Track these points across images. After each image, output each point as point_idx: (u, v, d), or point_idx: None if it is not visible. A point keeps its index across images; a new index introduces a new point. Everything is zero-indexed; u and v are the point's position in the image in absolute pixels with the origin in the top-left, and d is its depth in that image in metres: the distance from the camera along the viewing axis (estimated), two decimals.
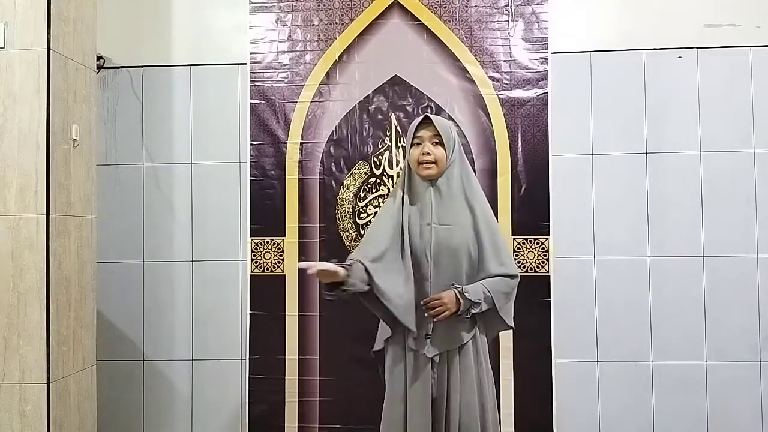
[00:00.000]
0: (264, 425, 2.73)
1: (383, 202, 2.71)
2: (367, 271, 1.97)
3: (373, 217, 2.71)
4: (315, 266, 1.88)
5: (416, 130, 2.03)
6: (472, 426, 1.97)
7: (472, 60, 2.73)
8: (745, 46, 2.76)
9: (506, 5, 2.73)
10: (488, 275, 2.00)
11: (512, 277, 2.03)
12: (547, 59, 2.71)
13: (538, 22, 2.72)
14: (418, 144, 2.02)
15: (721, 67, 2.77)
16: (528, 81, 2.71)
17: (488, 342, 2.11)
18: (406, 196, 2.05)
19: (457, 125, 2.67)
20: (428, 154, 1.99)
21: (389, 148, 2.76)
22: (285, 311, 2.74)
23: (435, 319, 1.94)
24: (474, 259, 2.00)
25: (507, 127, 2.71)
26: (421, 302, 1.96)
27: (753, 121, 2.76)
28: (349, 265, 1.96)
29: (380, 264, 1.99)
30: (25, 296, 2.28)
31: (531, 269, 2.67)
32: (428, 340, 1.98)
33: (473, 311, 1.95)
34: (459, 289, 1.95)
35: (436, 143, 2.00)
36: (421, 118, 2.05)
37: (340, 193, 2.76)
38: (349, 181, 2.76)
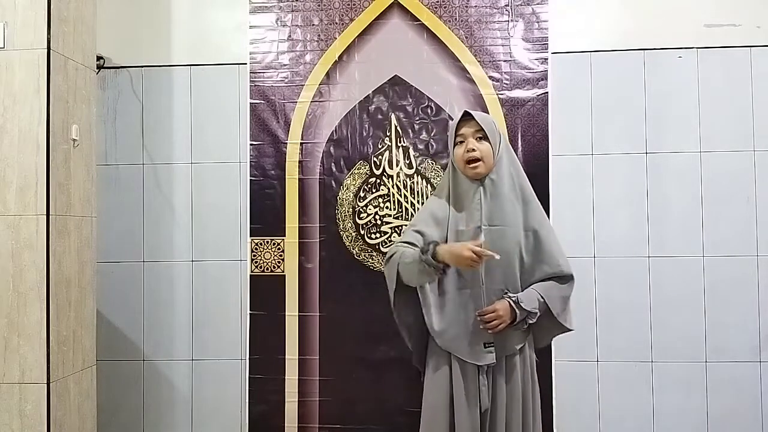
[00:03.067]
0: (264, 425, 2.73)
1: (383, 202, 2.72)
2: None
3: (374, 217, 2.72)
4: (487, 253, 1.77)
5: (457, 128, 1.93)
6: (515, 427, 1.90)
7: (472, 60, 2.73)
8: (745, 46, 2.76)
9: (506, 5, 2.73)
10: (542, 277, 1.91)
11: (566, 278, 1.93)
12: (547, 59, 2.71)
13: (538, 22, 2.72)
14: (461, 142, 1.92)
15: (721, 67, 2.77)
16: (528, 81, 2.71)
17: (542, 347, 2.04)
18: (451, 201, 1.95)
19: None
20: (474, 150, 1.88)
21: (389, 148, 2.76)
22: (285, 311, 2.74)
23: (490, 331, 1.86)
24: (526, 261, 1.91)
25: (507, 127, 2.71)
26: (476, 313, 1.87)
27: (753, 121, 2.76)
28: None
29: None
30: (25, 296, 2.27)
31: None
32: (489, 349, 1.87)
33: (530, 321, 1.87)
34: (513, 299, 1.86)
35: (480, 138, 1.90)
36: (461, 114, 1.94)
37: (340, 193, 2.76)
38: (349, 181, 2.76)
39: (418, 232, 1.94)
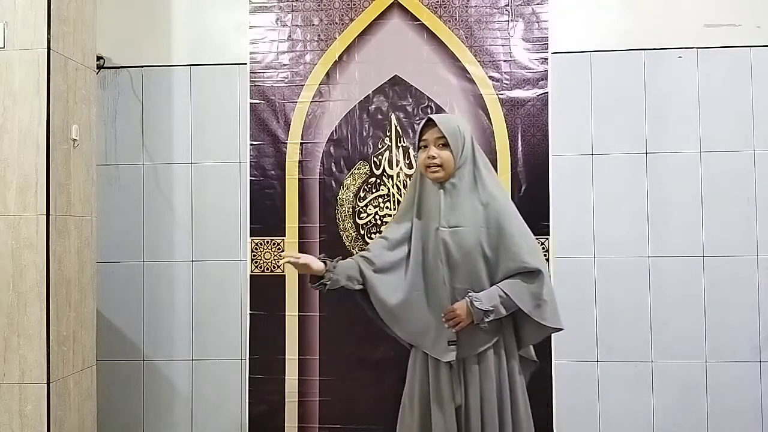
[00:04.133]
0: (264, 425, 2.72)
1: (383, 202, 2.72)
2: (361, 269, 2.00)
3: (374, 217, 2.72)
4: (296, 258, 1.96)
5: (421, 133, 1.99)
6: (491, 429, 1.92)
7: (472, 60, 2.72)
8: (745, 46, 2.76)
9: (506, 5, 2.73)
10: (507, 273, 1.93)
11: (533, 272, 1.92)
12: (547, 59, 2.71)
13: (538, 22, 2.72)
14: (425, 147, 1.98)
15: (721, 67, 2.77)
16: (528, 81, 2.71)
17: (531, 346, 2.07)
18: (416, 203, 2.03)
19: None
20: (433, 157, 1.94)
21: (389, 148, 2.76)
22: (285, 311, 2.74)
23: (454, 330, 1.92)
24: (491, 259, 1.94)
25: (507, 127, 2.71)
26: (441, 315, 1.94)
27: (753, 121, 2.76)
28: (334, 260, 2.00)
29: (386, 263, 2.00)
30: (25, 296, 2.27)
31: None
32: (451, 346, 1.93)
33: (487, 320, 1.89)
34: (470, 298, 1.90)
35: (442, 145, 1.95)
36: (425, 120, 2.00)
37: (340, 193, 2.76)
38: (349, 181, 2.76)
39: (383, 237, 2.06)
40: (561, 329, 2.01)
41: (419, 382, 2.00)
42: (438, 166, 1.95)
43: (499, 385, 1.95)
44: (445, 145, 1.95)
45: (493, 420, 1.92)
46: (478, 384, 1.93)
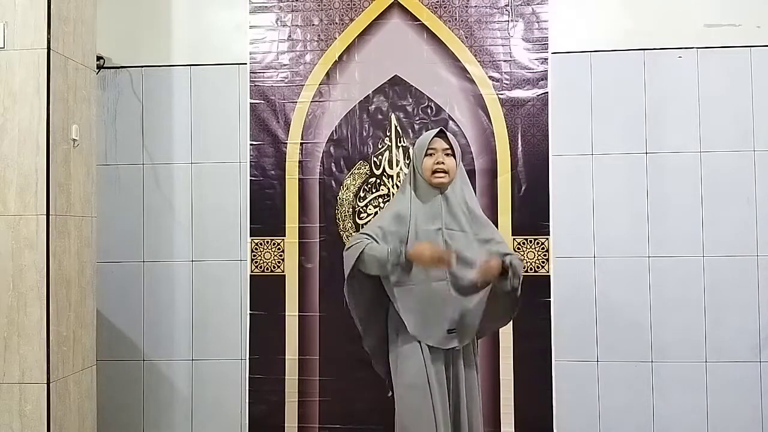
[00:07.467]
0: (264, 425, 2.73)
1: (384, 202, 2.72)
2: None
3: (374, 217, 2.72)
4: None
5: (431, 142, 2.13)
6: (474, 411, 2.13)
7: (472, 60, 2.73)
8: (745, 46, 2.76)
9: (506, 5, 2.73)
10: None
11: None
12: (547, 59, 2.71)
13: (538, 22, 2.72)
14: (431, 154, 2.11)
15: (721, 67, 2.77)
16: (528, 81, 2.71)
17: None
18: (411, 205, 2.13)
19: (458, 126, 2.69)
20: (442, 163, 2.11)
21: (389, 148, 2.76)
22: (285, 311, 2.74)
23: (479, 281, 2.03)
24: (474, 258, 2.10)
25: (507, 127, 2.71)
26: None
27: (753, 121, 2.76)
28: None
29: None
30: (25, 296, 2.27)
31: (531, 269, 2.67)
32: (452, 334, 2.08)
33: (515, 283, 2.04)
34: (510, 258, 2.05)
35: (448, 155, 2.12)
36: (436, 131, 2.14)
37: (340, 193, 2.76)
38: (349, 181, 2.76)
39: (379, 227, 2.15)
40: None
41: (420, 372, 2.07)
42: (445, 172, 2.11)
43: (476, 368, 2.18)
44: (450, 155, 2.13)
45: (478, 404, 2.16)
46: (463, 369, 2.12)
